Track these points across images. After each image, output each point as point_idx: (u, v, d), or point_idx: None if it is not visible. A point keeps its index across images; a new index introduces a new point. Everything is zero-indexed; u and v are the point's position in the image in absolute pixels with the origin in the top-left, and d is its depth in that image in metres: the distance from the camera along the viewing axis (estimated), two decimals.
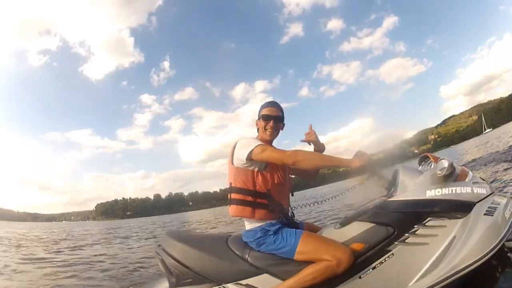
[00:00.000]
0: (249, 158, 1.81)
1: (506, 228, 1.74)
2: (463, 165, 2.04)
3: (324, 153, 2.04)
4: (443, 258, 1.65)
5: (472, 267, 1.61)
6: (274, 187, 1.87)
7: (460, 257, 1.63)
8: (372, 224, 1.77)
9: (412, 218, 1.74)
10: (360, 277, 1.69)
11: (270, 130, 1.99)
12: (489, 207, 1.77)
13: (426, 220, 1.72)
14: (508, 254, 2.08)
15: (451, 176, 1.82)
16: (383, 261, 1.70)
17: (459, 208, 1.73)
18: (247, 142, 1.86)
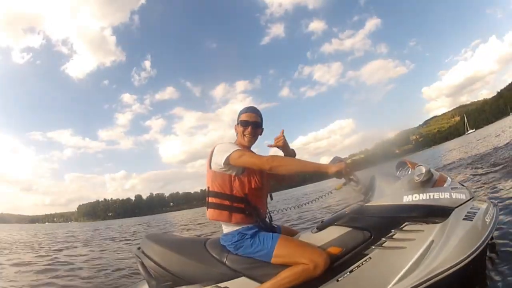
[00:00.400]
0: (227, 163, 1.80)
1: (487, 233, 1.75)
2: (442, 169, 2.05)
3: (304, 155, 2.03)
4: (421, 262, 1.66)
5: (451, 271, 1.62)
6: (251, 191, 1.86)
7: (438, 261, 1.64)
8: (349, 229, 1.78)
9: (389, 222, 1.75)
10: (337, 280, 1.69)
11: (248, 136, 1.98)
12: (468, 212, 1.78)
13: (403, 224, 1.72)
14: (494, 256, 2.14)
15: (429, 182, 1.83)
16: (360, 264, 1.70)
17: (437, 213, 1.75)
18: (225, 147, 1.85)
